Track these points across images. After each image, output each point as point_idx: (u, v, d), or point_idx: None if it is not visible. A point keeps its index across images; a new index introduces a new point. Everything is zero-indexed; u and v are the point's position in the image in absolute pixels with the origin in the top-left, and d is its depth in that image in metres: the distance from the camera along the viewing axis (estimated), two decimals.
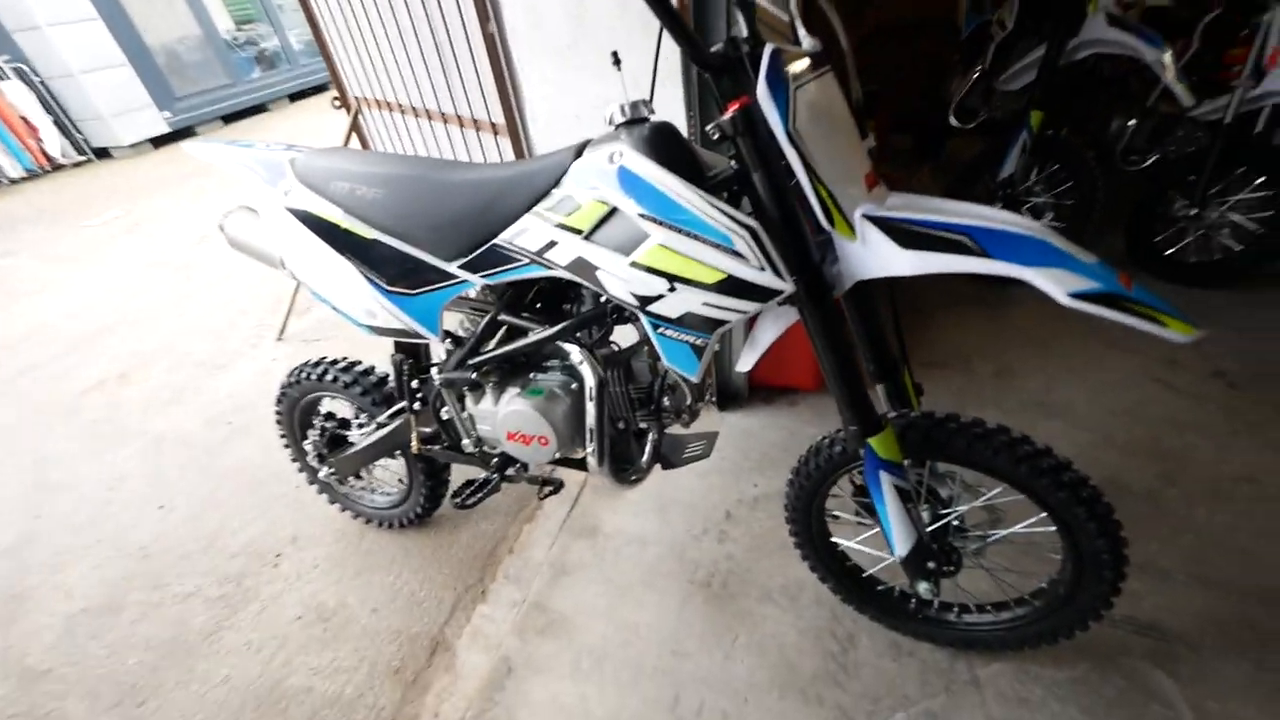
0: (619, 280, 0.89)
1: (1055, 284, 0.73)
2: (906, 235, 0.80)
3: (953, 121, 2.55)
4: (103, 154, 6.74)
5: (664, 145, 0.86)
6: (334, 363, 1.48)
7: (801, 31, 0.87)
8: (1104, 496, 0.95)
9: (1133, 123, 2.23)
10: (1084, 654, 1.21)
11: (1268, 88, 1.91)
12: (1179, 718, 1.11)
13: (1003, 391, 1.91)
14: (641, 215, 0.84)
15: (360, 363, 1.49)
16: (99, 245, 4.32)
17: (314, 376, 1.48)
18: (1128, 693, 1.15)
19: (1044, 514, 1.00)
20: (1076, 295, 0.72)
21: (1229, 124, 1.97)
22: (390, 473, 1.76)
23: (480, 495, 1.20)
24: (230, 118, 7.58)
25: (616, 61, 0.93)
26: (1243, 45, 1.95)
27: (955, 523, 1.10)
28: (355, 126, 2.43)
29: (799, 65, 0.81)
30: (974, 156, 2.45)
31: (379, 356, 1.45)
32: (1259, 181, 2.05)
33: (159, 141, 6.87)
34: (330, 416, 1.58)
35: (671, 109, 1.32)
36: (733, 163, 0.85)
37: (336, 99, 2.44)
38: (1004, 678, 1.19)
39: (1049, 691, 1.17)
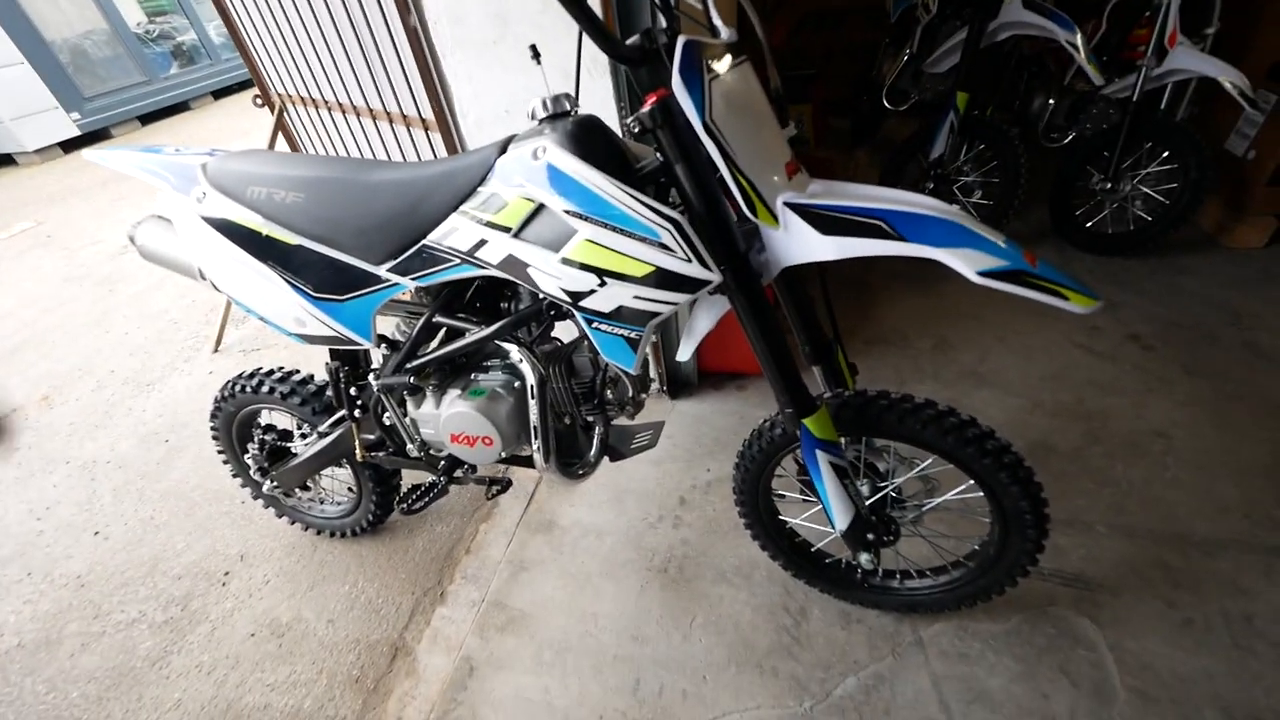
0: (550, 277, 0.89)
1: (965, 263, 0.76)
2: (826, 221, 0.82)
3: (886, 104, 2.62)
4: (6, 161, 6.25)
5: (588, 139, 0.85)
6: (269, 373, 1.43)
7: (718, 22, 0.88)
8: (1025, 461, 1.00)
9: (1052, 101, 2.34)
10: (1017, 607, 1.29)
11: (1169, 66, 2.03)
12: (1101, 659, 1.19)
13: (940, 364, 1.99)
14: (567, 211, 0.84)
15: (297, 372, 1.45)
16: (7, 260, 4.01)
17: (249, 389, 1.43)
18: (1056, 640, 1.23)
19: (972, 481, 1.06)
20: (985, 273, 0.76)
21: (1136, 101, 2.09)
22: (339, 482, 1.71)
23: (426, 500, 1.18)
24: (148, 118, 7.10)
25: (535, 56, 0.92)
26: (1146, 26, 2.06)
27: (893, 494, 1.15)
28: (280, 125, 2.32)
29: (717, 57, 0.81)
30: (906, 138, 2.53)
31: (320, 364, 1.41)
32: (1164, 155, 2.18)
33: (70, 146, 6.40)
34: (270, 429, 1.53)
35: (600, 100, 1.32)
36: (658, 155, 0.86)
37: (258, 97, 2.32)
38: (945, 636, 1.26)
39: (986, 645, 1.24)
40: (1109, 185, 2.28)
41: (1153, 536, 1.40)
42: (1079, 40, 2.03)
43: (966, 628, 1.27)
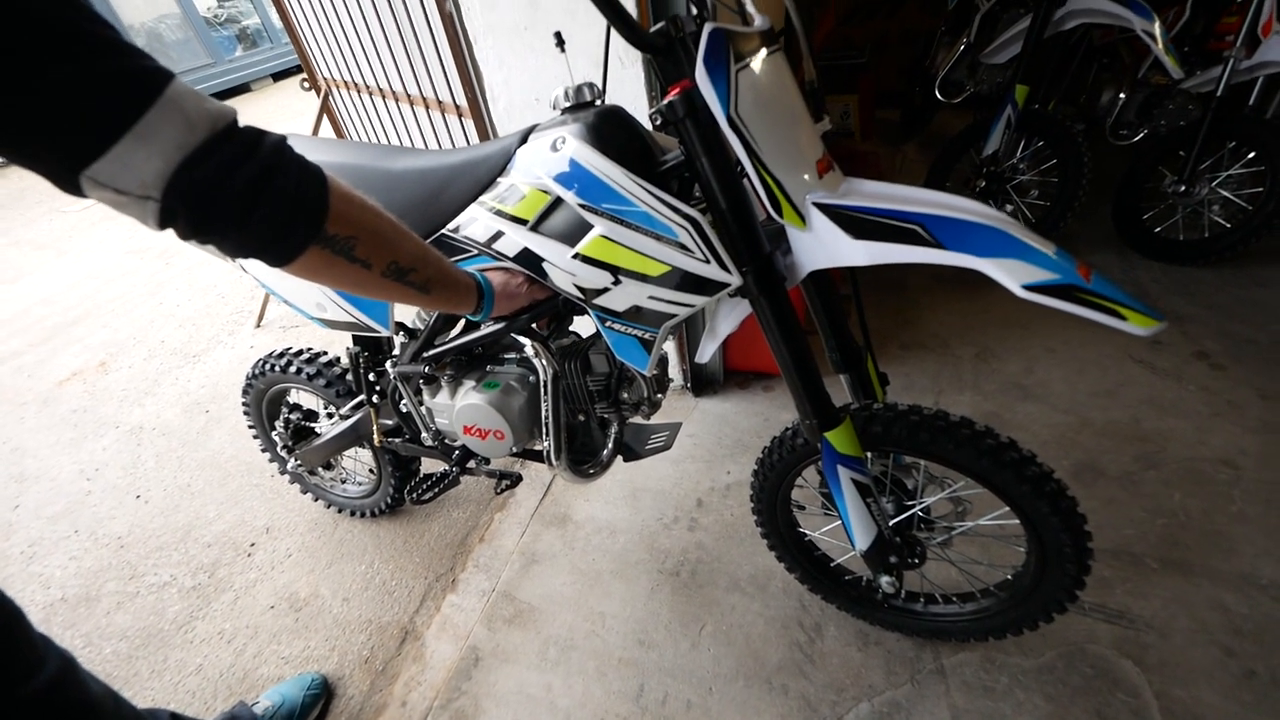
0: (564, 273, 0.86)
1: (1009, 275, 0.71)
2: (858, 224, 0.76)
3: (938, 96, 2.48)
4: None
5: (610, 132, 0.82)
6: (298, 354, 1.46)
7: (750, 8, 0.83)
8: (1068, 491, 0.92)
9: (1123, 96, 2.17)
10: (1051, 642, 1.20)
11: (1261, 58, 1.84)
12: (1144, 706, 1.10)
13: (982, 374, 1.88)
14: (583, 205, 0.81)
15: (324, 354, 1.47)
16: (77, 231, 4.26)
17: (278, 368, 1.46)
18: (1093, 681, 1.15)
19: (1008, 507, 0.98)
20: (1031, 287, 0.70)
21: (1221, 96, 1.91)
22: (360, 463, 1.74)
23: (436, 490, 1.18)
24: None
25: (560, 43, 0.89)
26: (1236, 14, 1.88)
27: (920, 514, 1.08)
28: (326, 109, 2.36)
29: (749, 47, 0.76)
30: (958, 133, 2.39)
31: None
32: (1249, 156, 1.99)
33: None
34: (296, 408, 1.56)
35: (632, 91, 1.27)
36: (681, 150, 0.81)
37: (305, 81, 2.36)
38: (970, 667, 1.19)
39: (1014, 680, 1.16)
40: (1183, 188, 2.10)
41: (1211, 575, 1.29)
42: (1157, 29, 1.86)
43: (994, 659, 1.19)
